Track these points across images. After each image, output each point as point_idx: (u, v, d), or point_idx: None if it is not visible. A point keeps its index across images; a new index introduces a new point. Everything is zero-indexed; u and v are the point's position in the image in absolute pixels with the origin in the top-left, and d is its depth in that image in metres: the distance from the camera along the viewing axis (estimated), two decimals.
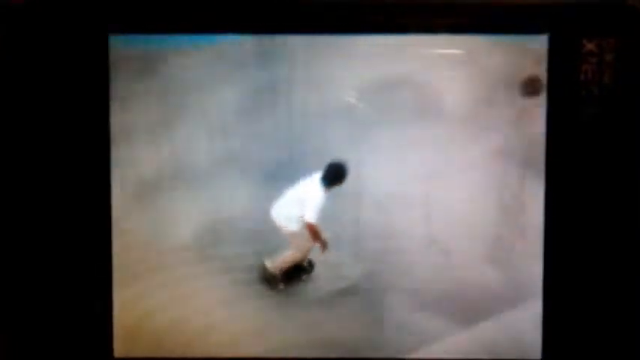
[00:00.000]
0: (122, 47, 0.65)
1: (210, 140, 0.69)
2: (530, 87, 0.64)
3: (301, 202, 0.70)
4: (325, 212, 0.71)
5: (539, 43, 0.64)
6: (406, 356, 0.67)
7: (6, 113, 0.64)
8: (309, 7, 0.64)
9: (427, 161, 0.68)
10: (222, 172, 0.69)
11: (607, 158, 0.63)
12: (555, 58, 0.63)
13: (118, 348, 0.66)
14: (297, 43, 0.66)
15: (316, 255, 0.71)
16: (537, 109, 0.64)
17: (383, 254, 0.69)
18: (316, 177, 0.69)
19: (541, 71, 0.64)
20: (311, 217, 0.70)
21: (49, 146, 0.64)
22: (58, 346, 0.65)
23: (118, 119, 0.66)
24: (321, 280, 0.71)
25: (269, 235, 0.70)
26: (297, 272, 0.72)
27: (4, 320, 0.65)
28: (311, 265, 0.72)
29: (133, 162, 0.67)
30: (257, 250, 0.70)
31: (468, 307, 0.67)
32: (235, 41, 0.67)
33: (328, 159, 0.69)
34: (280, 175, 0.69)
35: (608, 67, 0.63)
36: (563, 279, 0.64)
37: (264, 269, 0.71)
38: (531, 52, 0.64)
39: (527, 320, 0.66)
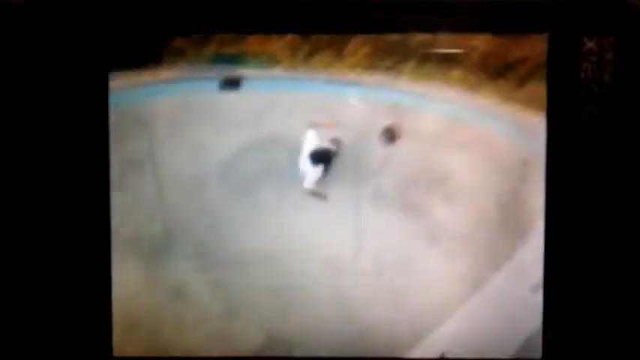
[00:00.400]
0: None
1: None
2: (387, 136, 0.68)
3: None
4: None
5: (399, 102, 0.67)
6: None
7: (5, 113, 0.64)
8: (308, 6, 0.64)
9: (307, 216, 0.68)
10: None
11: (607, 156, 0.63)
12: (555, 56, 0.63)
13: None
14: (165, 110, 0.66)
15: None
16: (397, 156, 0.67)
17: None
18: (305, 156, 0.69)
19: (396, 121, 0.67)
20: (309, 183, 0.69)
21: (47, 145, 0.64)
22: (58, 345, 0.65)
23: None
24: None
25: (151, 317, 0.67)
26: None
27: (4, 320, 0.65)
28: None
29: None
30: (139, 335, 0.67)
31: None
32: None
33: (208, 224, 0.68)
34: (159, 250, 0.67)
35: (608, 66, 0.63)
36: (564, 278, 0.64)
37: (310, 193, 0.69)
38: (387, 107, 0.67)
39: (527, 318, 0.66)
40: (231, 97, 0.67)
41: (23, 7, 0.63)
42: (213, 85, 0.67)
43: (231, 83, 0.67)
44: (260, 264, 0.68)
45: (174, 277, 0.67)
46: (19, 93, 0.64)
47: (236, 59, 0.66)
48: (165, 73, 0.67)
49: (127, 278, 0.67)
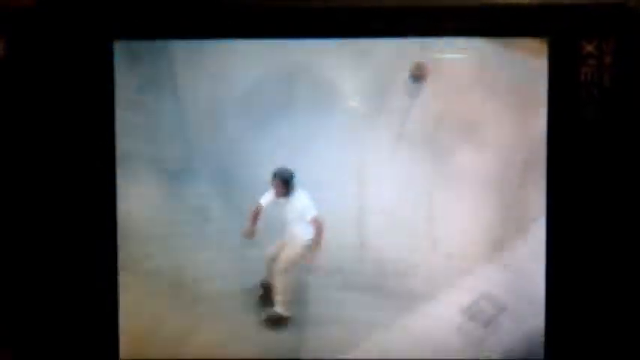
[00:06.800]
0: None
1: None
2: (416, 72, 0.67)
3: None
4: None
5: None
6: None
7: (13, 115, 0.64)
8: (315, 12, 0.65)
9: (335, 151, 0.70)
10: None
11: (608, 160, 0.64)
12: (555, 60, 0.64)
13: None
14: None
15: None
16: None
17: None
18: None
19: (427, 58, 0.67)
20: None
21: (54, 148, 0.64)
22: (63, 348, 0.65)
23: None
24: None
25: None
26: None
27: (8, 323, 0.65)
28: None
29: None
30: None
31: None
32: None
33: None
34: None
35: (607, 69, 0.63)
36: (566, 279, 0.64)
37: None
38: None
39: (529, 321, 0.66)
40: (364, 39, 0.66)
41: (33, 9, 0.64)
42: None
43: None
44: None
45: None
46: (26, 96, 0.64)
47: None
48: None
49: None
